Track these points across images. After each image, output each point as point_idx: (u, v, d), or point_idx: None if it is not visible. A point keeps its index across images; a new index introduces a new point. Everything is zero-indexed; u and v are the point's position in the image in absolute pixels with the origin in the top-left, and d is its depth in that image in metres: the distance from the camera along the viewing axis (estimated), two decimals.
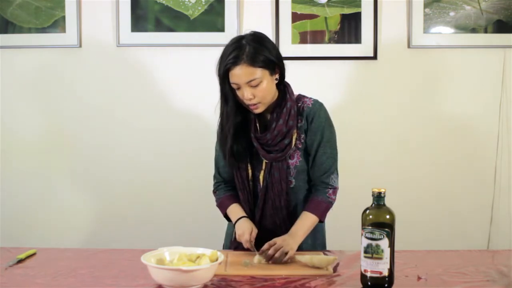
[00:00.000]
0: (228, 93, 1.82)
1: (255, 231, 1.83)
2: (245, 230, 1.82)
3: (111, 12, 2.73)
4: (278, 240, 1.73)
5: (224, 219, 2.02)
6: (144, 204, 2.80)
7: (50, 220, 2.80)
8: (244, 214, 1.90)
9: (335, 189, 1.91)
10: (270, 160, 1.86)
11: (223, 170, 1.99)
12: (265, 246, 1.72)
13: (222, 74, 1.78)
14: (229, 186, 2.01)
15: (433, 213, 2.76)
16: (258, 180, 1.91)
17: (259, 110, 1.82)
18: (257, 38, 1.81)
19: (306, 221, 1.84)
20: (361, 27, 2.69)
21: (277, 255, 1.69)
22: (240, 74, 1.75)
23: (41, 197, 2.81)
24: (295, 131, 1.87)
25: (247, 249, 1.81)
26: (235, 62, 1.74)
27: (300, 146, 1.89)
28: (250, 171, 1.90)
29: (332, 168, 1.90)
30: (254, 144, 1.87)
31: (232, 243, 1.95)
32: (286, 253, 1.70)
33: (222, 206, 1.98)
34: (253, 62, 1.74)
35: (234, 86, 1.79)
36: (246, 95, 1.77)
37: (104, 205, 2.81)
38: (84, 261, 1.73)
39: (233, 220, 1.91)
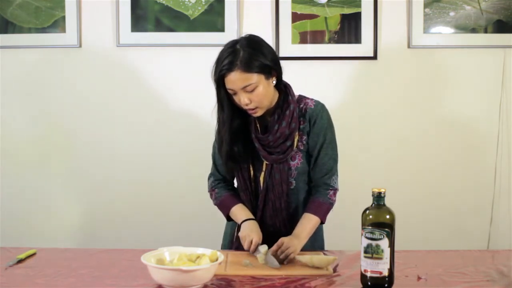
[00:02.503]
0: (224, 99, 1.80)
1: (261, 238, 1.80)
2: (255, 233, 1.78)
3: (111, 12, 2.73)
4: (285, 240, 1.73)
5: (224, 219, 2.01)
6: (144, 204, 2.79)
7: (50, 220, 2.80)
8: (252, 216, 1.88)
9: (335, 190, 1.91)
10: (271, 161, 1.85)
11: (222, 168, 1.97)
12: (274, 247, 1.71)
13: (217, 79, 1.76)
14: (229, 185, 1.99)
15: (433, 213, 2.76)
16: (258, 181, 1.90)
17: (257, 114, 1.80)
18: (252, 43, 1.77)
19: (308, 223, 1.84)
20: (361, 27, 2.69)
21: (282, 256, 1.69)
22: (235, 80, 1.72)
23: (41, 197, 2.80)
24: (297, 132, 1.86)
25: (247, 249, 1.80)
26: (230, 68, 1.72)
27: (302, 148, 1.87)
28: (251, 172, 1.89)
29: (333, 169, 1.90)
30: (255, 144, 1.86)
31: (234, 243, 1.95)
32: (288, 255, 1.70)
33: (224, 206, 1.95)
34: (248, 67, 1.71)
35: (230, 91, 1.77)
36: (242, 100, 1.75)
37: (104, 205, 2.81)
38: (84, 261, 1.73)
39: (239, 220, 1.88)
